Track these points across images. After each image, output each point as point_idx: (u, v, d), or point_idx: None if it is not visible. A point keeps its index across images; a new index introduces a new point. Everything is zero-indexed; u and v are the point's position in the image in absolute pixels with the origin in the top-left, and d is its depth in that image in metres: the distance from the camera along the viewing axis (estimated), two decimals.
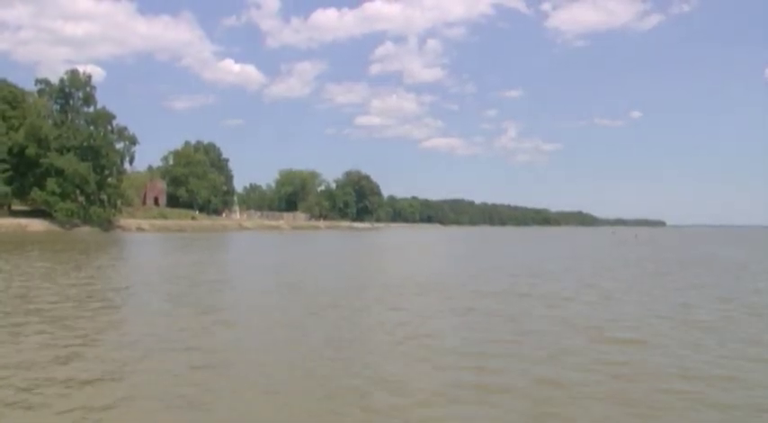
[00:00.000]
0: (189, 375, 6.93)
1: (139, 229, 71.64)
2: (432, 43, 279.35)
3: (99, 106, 72.25)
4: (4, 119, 63.54)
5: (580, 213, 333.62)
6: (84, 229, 64.01)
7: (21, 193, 65.57)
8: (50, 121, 68.06)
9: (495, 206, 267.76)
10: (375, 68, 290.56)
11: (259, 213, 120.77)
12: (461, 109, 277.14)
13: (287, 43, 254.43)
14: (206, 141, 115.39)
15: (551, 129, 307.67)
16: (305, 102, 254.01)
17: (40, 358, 7.49)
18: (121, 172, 76.05)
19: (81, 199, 67.63)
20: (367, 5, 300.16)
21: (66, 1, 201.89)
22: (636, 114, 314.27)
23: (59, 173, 64.79)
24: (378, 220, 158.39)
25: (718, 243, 60.81)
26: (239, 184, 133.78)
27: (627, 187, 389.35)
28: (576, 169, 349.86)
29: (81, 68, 73.68)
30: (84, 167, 66.64)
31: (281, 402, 6.07)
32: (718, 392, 6.50)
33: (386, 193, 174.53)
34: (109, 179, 71.70)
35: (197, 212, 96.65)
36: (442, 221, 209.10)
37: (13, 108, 65.74)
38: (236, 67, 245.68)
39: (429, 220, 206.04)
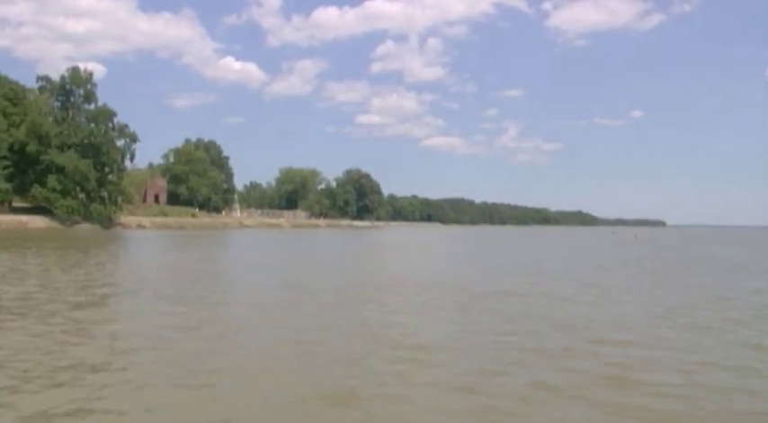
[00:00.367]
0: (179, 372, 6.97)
1: (140, 226, 71.70)
2: (432, 42, 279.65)
3: (100, 103, 72.51)
4: (5, 116, 63.59)
5: (580, 213, 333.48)
6: (85, 227, 64.09)
7: (21, 190, 65.66)
8: (51, 119, 68.19)
9: (495, 205, 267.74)
10: (376, 67, 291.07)
11: (259, 211, 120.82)
12: (462, 108, 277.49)
13: (288, 41, 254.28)
14: (206, 139, 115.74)
15: (552, 128, 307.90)
16: (305, 100, 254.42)
17: (38, 351, 7.55)
18: (122, 169, 76.18)
19: (81, 196, 67.74)
20: (368, 4, 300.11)
21: None
22: (636, 114, 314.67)
23: (60, 170, 64.88)
24: (378, 219, 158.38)
25: (718, 243, 60.81)
26: (240, 182, 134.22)
27: (627, 187, 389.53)
28: (576, 169, 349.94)
29: (82, 66, 73.99)
30: (84, 165, 66.72)
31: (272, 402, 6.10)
32: (718, 397, 6.48)
33: (386, 191, 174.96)
34: (109, 176, 71.83)
35: (197, 210, 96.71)
36: (443, 220, 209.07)
37: (14, 105, 65.81)
38: (237, 65, 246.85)
39: (429, 218, 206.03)
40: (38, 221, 61.00)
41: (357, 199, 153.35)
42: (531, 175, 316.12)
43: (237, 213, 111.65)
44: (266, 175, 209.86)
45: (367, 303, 12.81)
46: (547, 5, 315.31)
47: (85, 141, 69.33)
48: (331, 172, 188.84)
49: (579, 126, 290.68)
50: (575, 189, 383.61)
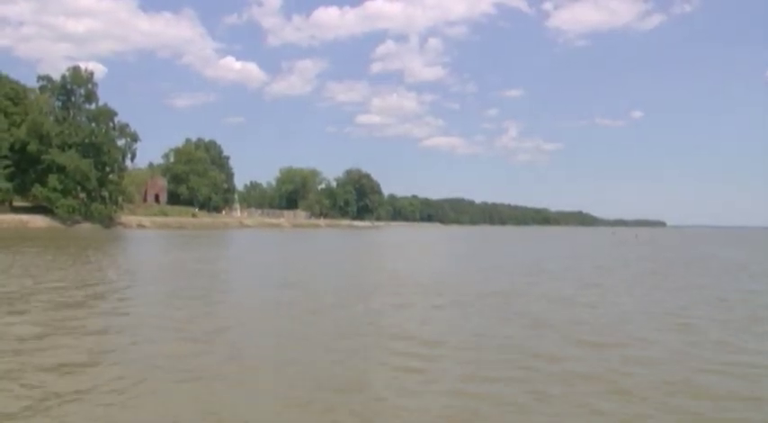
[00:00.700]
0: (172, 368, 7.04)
1: (140, 225, 71.78)
2: (433, 42, 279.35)
3: (101, 103, 72.56)
4: (6, 115, 63.65)
5: (580, 213, 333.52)
6: (86, 226, 64.17)
7: (22, 190, 65.71)
8: (52, 118, 68.25)
9: (495, 205, 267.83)
10: (376, 67, 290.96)
11: (260, 211, 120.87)
12: (462, 108, 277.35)
13: (288, 41, 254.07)
14: (207, 139, 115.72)
15: (552, 128, 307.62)
16: (306, 100, 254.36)
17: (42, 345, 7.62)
18: (123, 169, 76.26)
19: (82, 195, 67.82)
20: (368, 4, 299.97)
21: None
22: (637, 114, 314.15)
23: (61, 169, 64.95)
24: (378, 219, 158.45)
25: (718, 244, 60.83)
26: (240, 182, 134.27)
27: (627, 187, 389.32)
28: (576, 169, 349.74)
29: (83, 65, 73.99)
30: (85, 164, 66.80)
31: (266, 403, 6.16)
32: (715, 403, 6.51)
33: (386, 191, 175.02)
34: (110, 176, 71.91)
35: (197, 210, 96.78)
36: (443, 220, 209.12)
37: (15, 104, 65.87)
38: (238, 65, 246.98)
39: (429, 219, 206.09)
40: (38, 221, 61.07)
41: (357, 199, 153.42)
42: (532, 175, 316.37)
43: (238, 213, 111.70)
44: (266, 175, 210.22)
45: (365, 304, 12.86)
46: (547, 6, 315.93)
47: (86, 141, 69.41)
48: (331, 172, 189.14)
49: (579, 126, 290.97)
50: (575, 189, 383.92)
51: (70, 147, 67.04)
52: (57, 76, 71.33)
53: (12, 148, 63.19)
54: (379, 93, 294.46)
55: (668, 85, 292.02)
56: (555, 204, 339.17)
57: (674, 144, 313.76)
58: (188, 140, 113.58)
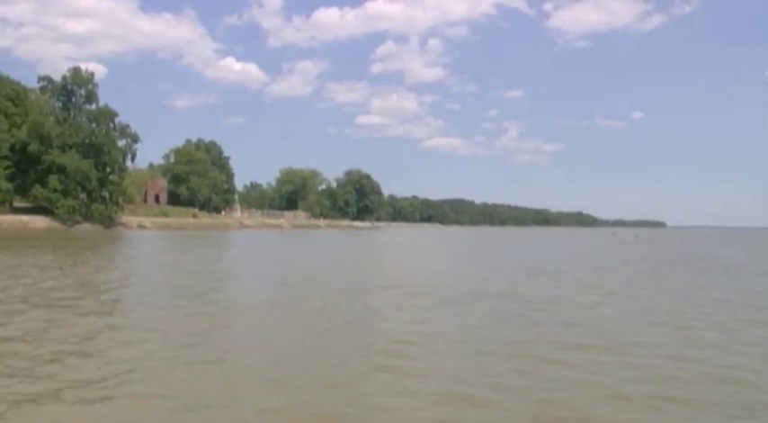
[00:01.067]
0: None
1: (141, 226, 71.81)
2: (433, 43, 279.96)
3: (101, 104, 72.56)
4: (7, 116, 63.68)
5: (580, 214, 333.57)
6: (86, 227, 64.20)
7: (22, 190, 65.72)
8: (53, 119, 68.28)
9: (495, 206, 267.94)
10: (376, 68, 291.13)
11: (260, 212, 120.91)
12: (462, 109, 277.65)
13: (288, 42, 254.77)
14: (207, 139, 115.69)
15: (552, 129, 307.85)
16: (306, 100, 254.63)
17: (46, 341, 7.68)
18: (123, 169, 76.26)
19: (83, 196, 67.86)
20: (369, 5, 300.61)
21: None
22: (637, 115, 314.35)
23: (61, 170, 64.99)
24: (378, 220, 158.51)
25: (718, 244, 60.89)
26: (240, 183, 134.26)
27: (627, 188, 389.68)
28: (576, 170, 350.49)
29: (83, 66, 74.00)
30: (85, 165, 66.83)
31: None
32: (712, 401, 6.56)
33: (386, 192, 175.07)
34: (110, 176, 71.92)
35: (198, 210, 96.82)
36: (443, 221, 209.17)
37: (16, 105, 65.90)
38: (238, 66, 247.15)
39: (429, 219, 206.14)
40: (39, 221, 61.10)
41: (357, 199, 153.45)
42: (532, 175, 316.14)
43: (238, 214, 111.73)
44: (267, 176, 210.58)
45: (364, 305, 12.91)
46: (547, 6, 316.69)
47: (87, 141, 69.44)
48: (331, 172, 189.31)
49: (580, 127, 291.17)
50: (575, 190, 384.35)
51: (71, 147, 67.08)
52: (56, 77, 71.50)
53: (12, 149, 63.23)
54: (380, 93, 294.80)
55: (668, 86, 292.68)
56: (555, 205, 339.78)
57: (674, 144, 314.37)
58: (188, 141, 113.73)
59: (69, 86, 70.83)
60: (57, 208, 64.14)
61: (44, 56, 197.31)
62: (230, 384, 6.54)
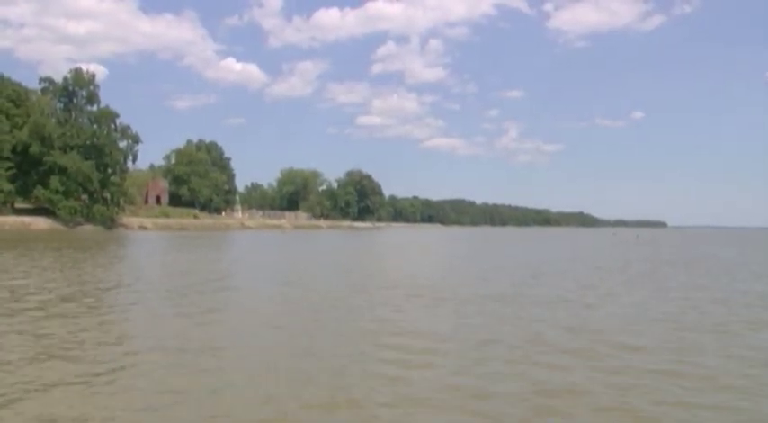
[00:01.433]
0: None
1: (142, 227, 71.92)
2: (433, 43, 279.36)
3: (102, 105, 72.61)
4: (8, 117, 63.80)
5: (581, 214, 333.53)
6: (87, 228, 64.29)
7: (24, 192, 65.82)
8: (54, 120, 68.33)
9: (496, 206, 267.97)
10: (377, 68, 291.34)
11: (261, 213, 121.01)
12: (463, 109, 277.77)
13: (289, 43, 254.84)
14: (208, 140, 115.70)
15: (552, 129, 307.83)
16: (306, 101, 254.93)
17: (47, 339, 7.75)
18: (124, 170, 76.28)
19: (84, 197, 67.92)
20: (369, 5, 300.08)
21: None
22: (637, 115, 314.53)
23: (63, 171, 65.07)
24: (379, 220, 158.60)
25: (719, 244, 60.89)
26: (241, 184, 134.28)
27: (628, 188, 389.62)
28: (577, 170, 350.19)
29: (84, 67, 74.08)
30: (87, 166, 66.91)
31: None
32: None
33: (387, 192, 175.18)
34: (112, 178, 71.96)
35: (199, 211, 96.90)
36: (443, 221, 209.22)
37: (17, 106, 66.02)
38: (238, 67, 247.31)
39: (430, 220, 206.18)
40: (40, 223, 61.20)
41: (358, 200, 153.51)
42: (532, 176, 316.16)
43: (239, 214, 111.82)
44: (267, 177, 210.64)
45: (364, 305, 12.94)
46: (548, 6, 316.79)
47: (88, 143, 69.51)
48: (332, 173, 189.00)
49: (580, 127, 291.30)
50: (575, 190, 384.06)
51: (72, 148, 67.16)
52: (57, 78, 71.54)
53: (14, 150, 63.34)
54: (380, 94, 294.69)
55: (669, 86, 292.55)
56: (556, 205, 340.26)
57: (674, 144, 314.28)
58: (189, 142, 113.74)
59: (70, 88, 70.92)
60: (58, 209, 64.23)
61: (45, 57, 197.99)
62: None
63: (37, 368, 7.04)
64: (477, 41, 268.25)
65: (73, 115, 70.96)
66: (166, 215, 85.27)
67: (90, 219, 66.75)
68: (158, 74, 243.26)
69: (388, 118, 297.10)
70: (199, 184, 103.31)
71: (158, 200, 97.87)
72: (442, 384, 6.78)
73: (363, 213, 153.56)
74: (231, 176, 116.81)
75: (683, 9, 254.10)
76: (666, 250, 46.62)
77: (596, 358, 8.05)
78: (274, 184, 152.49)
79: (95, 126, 71.56)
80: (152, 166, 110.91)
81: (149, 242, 43.96)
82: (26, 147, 64.29)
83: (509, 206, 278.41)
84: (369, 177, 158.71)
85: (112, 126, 73.06)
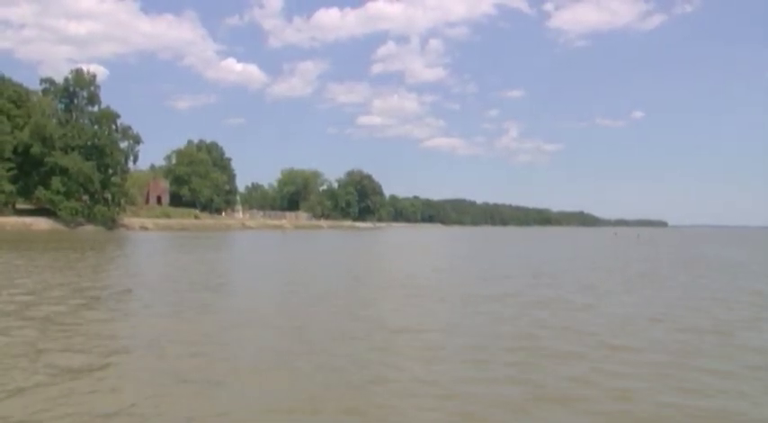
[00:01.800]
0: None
1: (143, 227, 71.98)
2: (434, 43, 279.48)
3: (103, 105, 72.68)
4: (9, 118, 63.87)
5: (581, 214, 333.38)
6: (89, 228, 64.35)
7: (25, 192, 65.89)
8: (55, 121, 68.37)
9: (496, 206, 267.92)
10: (377, 68, 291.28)
11: (261, 213, 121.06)
12: (463, 109, 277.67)
13: (289, 43, 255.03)
14: (208, 140, 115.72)
15: (553, 129, 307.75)
16: (307, 101, 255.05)
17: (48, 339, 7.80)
18: (125, 171, 76.33)
19: (85, 198, 67.98)
20: (369, 5, 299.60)
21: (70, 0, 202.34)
22: (638, 114, 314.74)
23: (64, 172, 65.13)
24: (379, 220, 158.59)
25: (719, 244, 60.88)
26: (241, 184, 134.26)
27: (628, 188, 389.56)
28: (577, 170, 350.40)
29: (85, 68, 74.14)
30: (88, 166, 66.98)
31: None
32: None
33: (387, 192, 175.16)
34: (113, 178, 72.03)
35: (199, 211, 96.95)
36: (444, 221, 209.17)
37: (18, 107, 66.10)
38: (239, 67, 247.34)
39: (431, 219, 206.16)
40: (42, 223, 61.27)
41: (359, 200, 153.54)
42: (533, 175, 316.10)
43: (240, 215, 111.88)
44: (268, 177, 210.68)
45: (364, 305, 12.98)
46: (548, 6, 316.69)
47: (89, 143, 69.56)
48: (332, 173, 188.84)
49: (580, 127, 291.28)
50: (576, 190, 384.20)
51: (73, 149, 67.21)
52: (58, 79, 71.60)
53: (15, 151, 63.40)
54: (380, 94, 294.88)
55: (669, 86, 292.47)
56: (556, 205, 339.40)
57: (675, 144, 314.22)
58: (190, 142, 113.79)
59: (71, 88, 70.99)
60: (59, 210, 64.28)
61: (45, 58, 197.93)
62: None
63: (29, 368, 7.07)
64: (477, 41, 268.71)
65: (74, 116, 71.03)
66: (167, 215, 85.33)
67: (91, 219, 66.81)
68: (159, 74, 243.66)
69: (388, 118, 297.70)
70: (199, 184, 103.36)
71: (159, 200, 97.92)
72: (441, 385, 6.80)
73: (364, 213, 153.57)
74: (232, 177, 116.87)
75: (684, 9, 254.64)
76: (667, 250, 46.62)
77: (596, 359, 8.07)
78: (275, 184, 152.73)
79: (96, 127, 71.61)
80: (153, 167, 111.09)
81: (150, 242, 44.01)
82: (27, 147, 64.36)
83: (510, 206, 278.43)
84: (369, 177, 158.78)
85: (113, 126, 73.11)
